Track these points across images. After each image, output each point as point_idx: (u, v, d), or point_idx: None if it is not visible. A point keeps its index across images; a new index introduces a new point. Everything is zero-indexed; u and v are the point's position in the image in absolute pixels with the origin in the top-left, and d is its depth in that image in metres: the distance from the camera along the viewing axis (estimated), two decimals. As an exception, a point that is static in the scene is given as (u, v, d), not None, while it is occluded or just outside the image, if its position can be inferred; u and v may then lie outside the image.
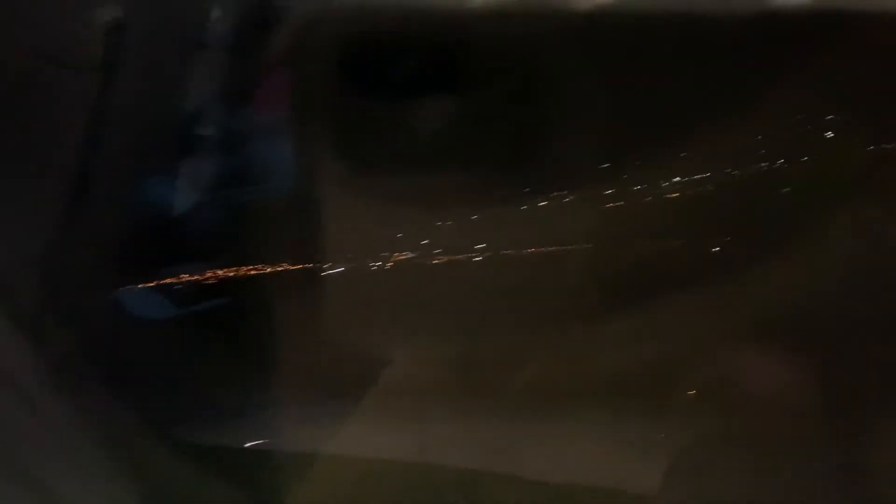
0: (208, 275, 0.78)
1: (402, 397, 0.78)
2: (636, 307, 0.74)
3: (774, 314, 0.73)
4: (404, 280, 0.77)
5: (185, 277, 0.80)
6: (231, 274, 0.78)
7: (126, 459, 0.57)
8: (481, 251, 0.76)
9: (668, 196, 0.74)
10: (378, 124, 0.76)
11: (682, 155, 0.73)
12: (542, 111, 0.74)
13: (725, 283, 0.73)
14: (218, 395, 0.81)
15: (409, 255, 0.76)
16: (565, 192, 0.75)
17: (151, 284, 0.80)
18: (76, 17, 0.77)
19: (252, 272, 0.77)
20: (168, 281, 0.81)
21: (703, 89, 0.70)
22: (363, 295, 0.78)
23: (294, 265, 0.77)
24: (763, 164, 0.73)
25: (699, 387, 0.75)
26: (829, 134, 0.72)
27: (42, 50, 0.72)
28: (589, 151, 0.74)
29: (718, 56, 0.70)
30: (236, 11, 0.94)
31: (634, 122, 0.73)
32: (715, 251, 0.74)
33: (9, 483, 0.44)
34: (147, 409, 0.70)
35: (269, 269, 0.77)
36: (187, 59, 0.94)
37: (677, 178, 0.74)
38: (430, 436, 0.78)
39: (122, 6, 0.80)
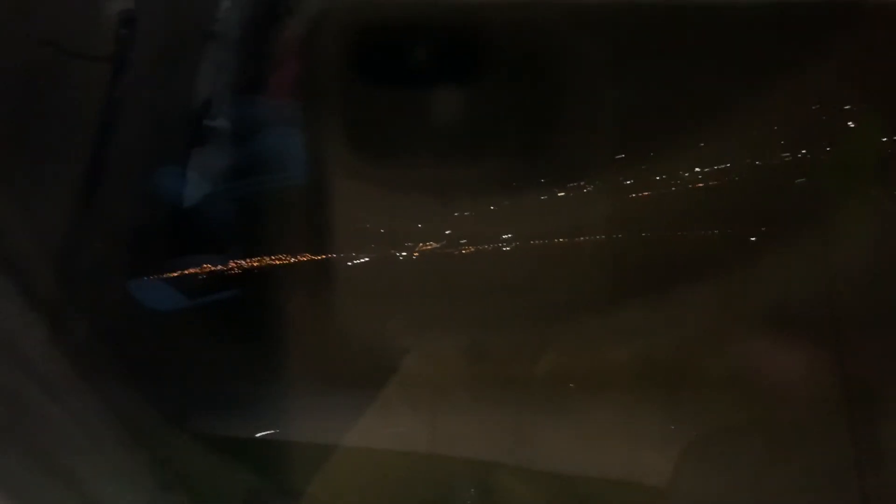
0: (231, 265, 0.78)
1: (416, 389, 0.78)
2: (655, 297, 0.74)
3: (791, 304, 0.73)
4: (420, 270, 0.77)
5: (208, 268, 0.80)
6: (255, 264, 0.77)
7: (145, 446, 0.57)
8: (508, 241, 0.76)
9: (693, 185, 0.74)
10: (392, 114, 0.76)
11: (701, 145, 0.73)
12: (554, 100, 0.74)
13: (743, 273, 0.73)
14: (230, 385, 0.81)
15: (434, 245, 0.76)
16: (583, 182, 0.75)
17: (173, 274, 0.80)
18: (89, 8, 0.77)
19: (276, 262, 0.77)
20: (191, 271, 0.80)
21: (722, 79, 0.70)
22: (377, 285, 0.78)
23: (317, 255, 0.77)
24: (785, 155, 0.72)
25: (715, 377, 0.75)
26: (850, 124, 0.71)
27: (55, 41, 0.72)
28: (605, 141, 0.74)
29: (736, 46, 0.69)
30: (247, 2, 0.94)
31: (651, 111, 0.73)
32: (734, 240, 0.74)
33: (33, 466, 0.45)
34: (161, 398, 0.70)
35: (292, 259, 0.77)
36: (198, 50, 0.93)
37: (698, 168, 0.73)
38: (442, 427, 0.77)
39: (133, -2, 0.80)
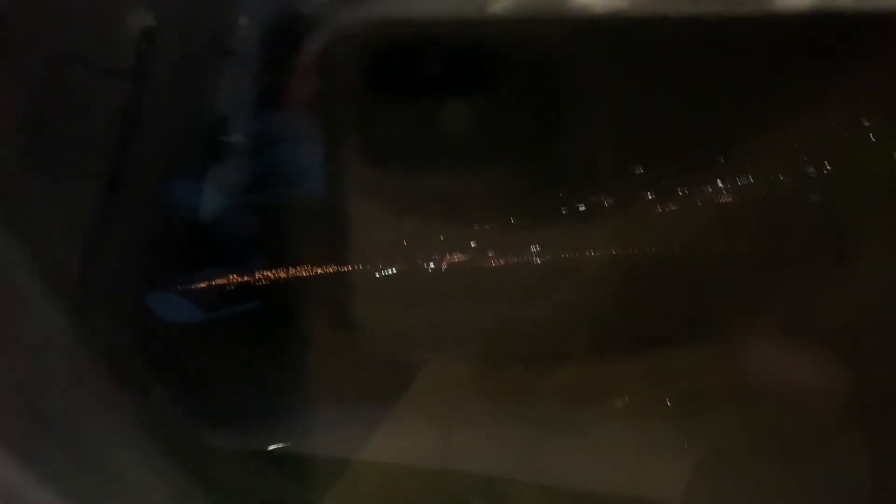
0: (258, 276, 0.79)
1: (430, 403, 0.78)
2: (670, 311, 0.74)
3: (807, 316, 0.73)
4: (446, 282, 0.77)
5: (235, 279, 0.81)
6: (281, 276, 0.78)
7: (170, 450, 0.58)
8: (538, 253, 0.76)
9: (717, 200, 0.74)
10: (407, 128, 0.76)
11: (722, 160, 0.73)
12: (569, 115, 0.74)
13: (758, 286, 0.73)
14: (245, 397, 0.81)
15: (462, 256, 0.76)
16: (604, 195, 0.75)
17: (191, 287, 0.81)
18: (111, 25, 0.78)
19: (300, 274, 0.78)
20: (218, 282, 0.81)
21: (743, 95, 0.70)
22: (397, 298, 0.78)
23: (343, 267, 0.77)
24: (810, 171, 0.72)
25: (730, 390, 0.74)
26: (872, 139, 0.71)
27: (80, 57, 0.73)
28: (622, 155, 0.74)
29: (756, 62, 0.69)
30: (265, 20, 0.96)
31: (672, 127, 0.73)
32: (750, 254, 0.74)
33: (72, 460, 0.45)
34: (179, 408, 0.71)
35: (318, 271, 0.77)
36: (217, 65, 0.95)
37: (720, 184, 0.74)
38: (455, 442, 0.77)
39: (154, 14, 0.81)
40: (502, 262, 0.76)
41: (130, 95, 0.80)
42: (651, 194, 0.75)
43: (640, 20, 0.69)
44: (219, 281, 0.85)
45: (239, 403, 0.81)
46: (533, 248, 0.76)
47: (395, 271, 0.77)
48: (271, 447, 0.78)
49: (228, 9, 0.95)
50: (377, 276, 0.77)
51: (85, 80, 0.75)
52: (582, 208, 0.76)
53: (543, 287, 0.77)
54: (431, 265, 0.77)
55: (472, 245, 0.77)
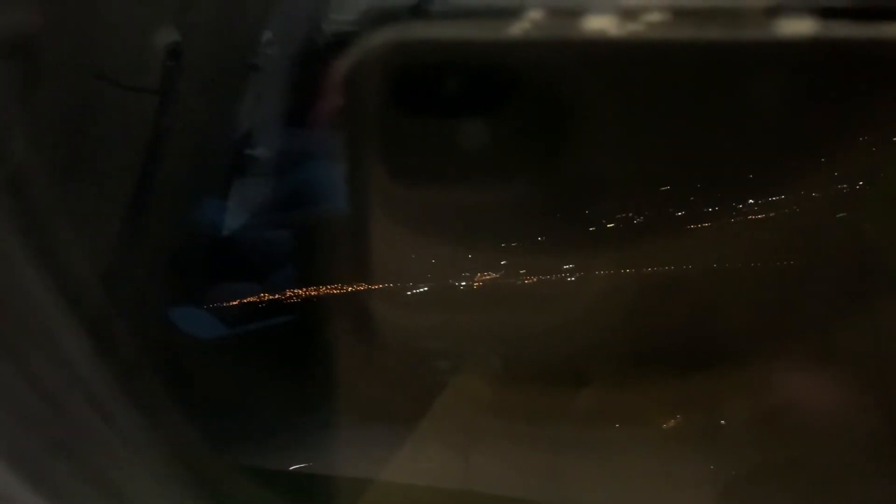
0: (288, 294, 0.79)
1: (450, 424, 0.78)
2: (697, 333, 0.73)
3: (835, 340, 0.72)
4: (476, 301, 0.77)
5: (261, 296, 0.81)
6: (305, 293, 0.78)
7: (187, 469, 0.58)
8: (571, 271, 0.75)
9: (748, 217, 0.73)
10: (431, 146, 0.76)
11: (750, 176, 0.73)
12: (590, 134, 0.74)
13: (784, 307, 0.72)
14: (265, 416, 0.81)
15: (493, 275, 0.76)
16: (632, 213, 0.75)
17: (227, 300, 0.81)
18: (137, 42, 0.79)
19: (330, 291, 0.78)
20: (243, 299, 0.81)
21: (771, 112, 0.70)
22: (418, 317, 0.78)
23: (367, 285, 0.77)
24: (842, 186, 0.72)
25: (756, 414, 0.73)
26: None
27: (108, 74, 0.74)
28: (649, 175, 0.74)
29: (783, 80, 0.69)
30: (290, 38, 0.96)
31: (699, 145, 0.73)
32: (777, 273, 0.73)
33: (83, 481, 0.45)
34: (199, 425, 0.71)
35: (349, 289, 0.77)
36: (241, 82, 0.95)
37: (751, 202, 0.73)
38: (476, 463, 0.77)
39: (179, 31, 0.81)
40: (535, 280, 0.76)
41: (156, 111, 0.80)
42: (680, 212, 0.75)
43: (654, 44, 0.69)
44: (243, 297, 0.85)
45: (260, 422, 0.81)
46: (567, 267, 0.75)
47: (426, 289, 0.77)
48: (292, 467, 0.78)
49: (254, 26, 0.96)
50: (409, 294, 0.77)
51: (112, 97, 0.75)
52: (610, 226, 0.75)
53: (567, 307, 0.76)
54: (463, 283, 0.77)
55: (503, 263, 0.76)
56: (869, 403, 0.71)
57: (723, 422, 0.75)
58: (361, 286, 0.77)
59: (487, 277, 0.76)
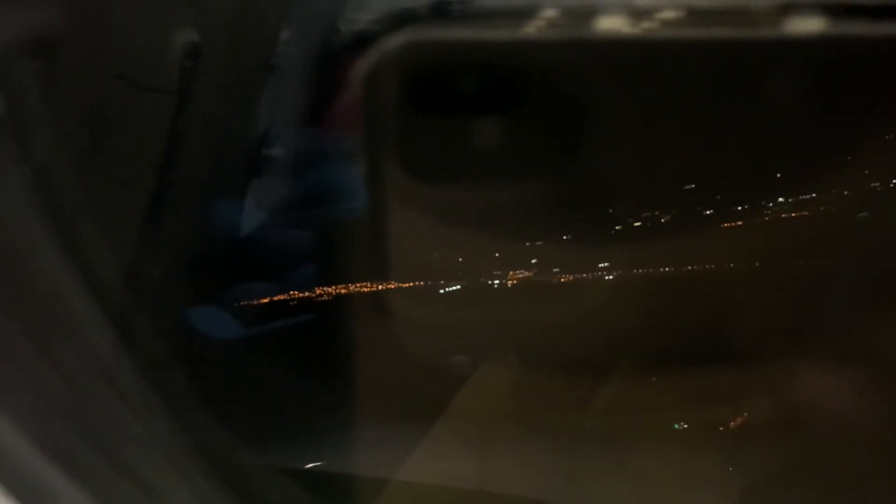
0: (318, 292, 0.79)
1: (467, 424, 0.77)
2: (717, 334, 0.73)
3: (854, 343, 0.71)
4: (476, 301, 0.76)
5: (280, 296, 0.81)
6: (342, 291, 0.78)
7: (215, 468, 0.58)
8: (608, 269, 0.75)
9: (781, 216, 0.73)
10: (449, 146, 0.76)
11: (778, 175, 0.72)
12: (612, 133, 0.74)
13: (804, 310, 0.72)
14: (283, 415, 0.81)
15: (526, 273, 0.76)
16: (658, 212, 0.74)
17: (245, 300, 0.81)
18: (155, 42, 0.79)
19: (363, 289, 0.77)
20: (260, 298, 0.81)
21: (798, 112, 0.69)
22: (436, 316, 0.78)
23: (405, 283, 0.77)
24: (875, 184, 0.71)
25: (775, 418, 0.73)
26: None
27: (126, 74, 0.74)
28: (673, 173, 0.74)
29: (810, 78, 0.68)
30: (307, 38, 0.96)
31: (721, 143, 0.72)
32: (798, 273, 0.73)
33: (116, 475, 0.45)
34: (219, 423, 0.71)
35: (380, 287, 0.77)
36: (259, 82, 0.96)
37: (781, 199, 0.72)
38: (492, 464, 0.76)
39: (198, 31, 0.82)
40: (571, 277, 0.75)
41: (175, 112, 0.80)
42: (707, 210, 0.74)
43: (677, 42, 0.69)
44: (261, 297, 0.85)
45: (278, 421, 0.81)
46: (602, 265, 0.75)
47: (458, 287, 0.77)
48: (309, 465, 0.78)
49: (272, 26, 0.96)
50: (441, 292, 0.77)
51: (132, 98, 0.76)
52: (637, 224, 0.75)
53: (589, 305, 0.76)
54: (496, 281, 0.76)
55: (534, 262, 0.76)
56: (888, 410, 0.70)
57: (742, 422, 0.74)
58: (393, 284, 0.77)
59: (521, 275, 0.75)
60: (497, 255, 0.77)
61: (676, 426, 0.75)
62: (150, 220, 0.78)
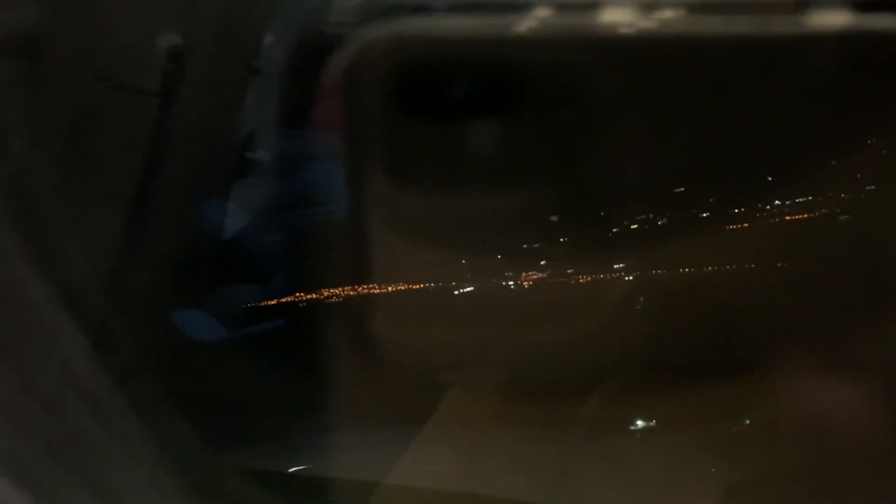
0: (326, 294, 0.79)
1: (456, 425, 0.77)
2: (709, 337, 0.72)
3: (843, 345, 0.71)
4: (463, 304, 0.76)
5: (264, 299, 0.80)
6: (350, 293, 0.77)
7: (185, 473, 0.57)
8: (626, 270, 0.74)
9: (776, 219, 0.72)
10: (436, 147, 0.76)
11: (769, 178, 0.72)
12: (599, 132, 0.73)
13: (802, 316, 0.72)
14: (268, 417, 0.80)
15: (540, 274, 0.75)
16: (652, 215, 0.74)
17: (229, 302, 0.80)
18: (139, 45, 0.79)
19: (372, 290, 0.77)
20: (245, 301, 0.81)
21: (790, 113, 0.69)
22: (422, 318, 0.78)
23: (415, 285, 0.76)
24: (871, 187, 0.71)
25: (766, 419, 0.73)
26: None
27: (109, 77, 0.74)
28: (665, 176, 0.73)
29: (809, 77, 0.68)
30: (291, 40, 0.96)
31: (715, 146, 0.72)
32: (787, 276, 0.73)
33: (80, 486, 0.45)
34: (200, 427, 0.70)
35: (390, 288, 0.76)
36: (243, 84, 0.95)
37: (778, 202, 0.72)
38: (480, 466, 0.76)
39: (182, 34, 0.81)
40: (589, 279, 0.75)
41: (158, 114, 0.80)
42: (704, 213, 0.74)
43: (666, 39, 0.68)
44: (245, 300, 0.85)
45: (262, 424, 0.80)
46: (617, 266, 0.74)
47: (472, 289, 0.76)
48: (293, 469, 0.78)
49: (256, 28, 0.96)
50: (456, 293, 0.77)
51: (114, 100, 0.75)
52: (633, 227, 0.75)
53: (579, 311, 0.76)
54: (511, 283, 0.76)
55: (542, 263, 0.75)
56: (881, 413, 0.70)
57: (735, 428, 0.74)
58: (403, 286, 0.76)
59: (535, 277, 0.75)
60: (499, 257, 0.76)
61: (667, 431, 0.75)
62: (133, 223, 0.78)
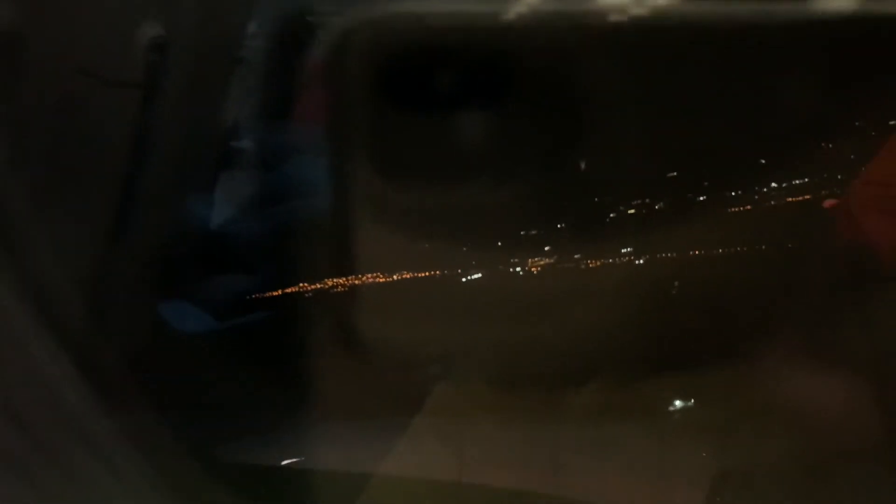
0: (331, 284, 0.78)
1: (445, 415, 0.77)
2: (702, 324, 0.72)
3: (832, 335, 0.71)
4: (447, 292, 0.76)
5: (251, 291, 0.80)
6: (357, 282, 0.77)
7: (168, 474, 0.57)
8: (635, 254, 0.74)
9: (792, 199, 0.72)
10: (422, 137, 0.75)
11: (762, 161, 0.71)
12: (592, 118, 0.72)
13: (790, 308, 0.71)
14: (256, 411, 0.80)
15: (547, 260, 0.74)
16: (649, 199, 0.73)
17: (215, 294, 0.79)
18: (120, 36, 0.78)
19: (376, 279, 0.76)
20: (232, 292, 0.80)
21: (781, 95, 0.68)
22: (411, 309, 0.77)
23: (418, 273, 0.75)
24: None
25: (757, 409, 0.73)
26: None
27: (90, 70, 0.72)
28: (658, 161, 0.73)
29: (804, 60, 0.67)
30: (275, 29, 0.95)
31: (709, 129, 0.71)
32: (775, 262, 0.72)
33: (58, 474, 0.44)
34: (186, 424, 0.70)
35: (395, 277, 0.76)
36: (226, 76, 0.94)
37: (774, 185, 0.72)
38: (471, 456, 0.76)
39: (163, 25, 0.80)
40: (598, 263, 0.74)
41: (141, 106, 0.79)
42: (701, 197, 0.73)
43: (662, 24, 0.68)
44: (233, 291, 0.85)
45: (251, 416, 0.80)
46: (625, 250, 0.74)
47: (480, 276, 0.76)
48: (284, 462, 0.78)
49: (239, 18, 0.95)
50: (463, 281, 0.76)
51: (96, 93, 0.74)
52: (631, 212, 0.74)
53: (568, 303, 0.75)
54: (518, 269, 0.75)
55: (547, 249, 0.75)
56: (868, 405, 0.71)
57: (725, 417, 0.74)
58: (407, 274, 0.76)
59: (542, 263, 0.74)
60: (500, 244, 0.75)
61: (658, 419, 0.76)
62: (118, 216, 0.77)
